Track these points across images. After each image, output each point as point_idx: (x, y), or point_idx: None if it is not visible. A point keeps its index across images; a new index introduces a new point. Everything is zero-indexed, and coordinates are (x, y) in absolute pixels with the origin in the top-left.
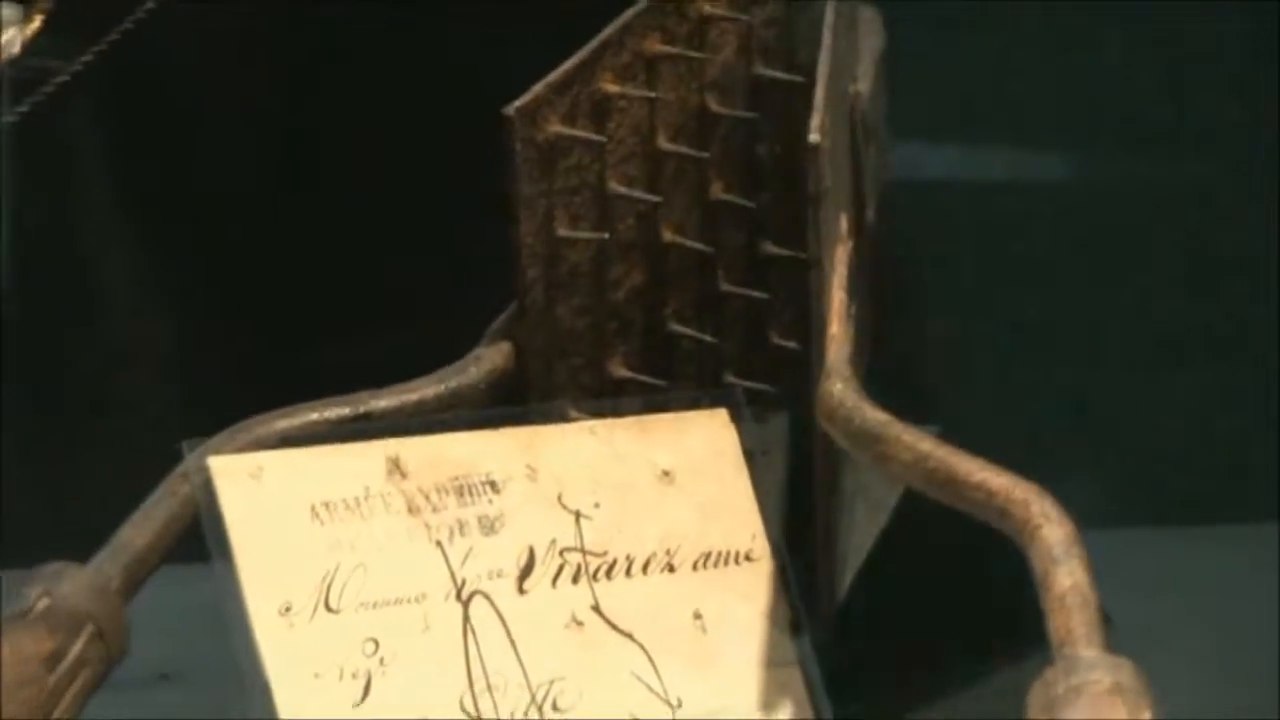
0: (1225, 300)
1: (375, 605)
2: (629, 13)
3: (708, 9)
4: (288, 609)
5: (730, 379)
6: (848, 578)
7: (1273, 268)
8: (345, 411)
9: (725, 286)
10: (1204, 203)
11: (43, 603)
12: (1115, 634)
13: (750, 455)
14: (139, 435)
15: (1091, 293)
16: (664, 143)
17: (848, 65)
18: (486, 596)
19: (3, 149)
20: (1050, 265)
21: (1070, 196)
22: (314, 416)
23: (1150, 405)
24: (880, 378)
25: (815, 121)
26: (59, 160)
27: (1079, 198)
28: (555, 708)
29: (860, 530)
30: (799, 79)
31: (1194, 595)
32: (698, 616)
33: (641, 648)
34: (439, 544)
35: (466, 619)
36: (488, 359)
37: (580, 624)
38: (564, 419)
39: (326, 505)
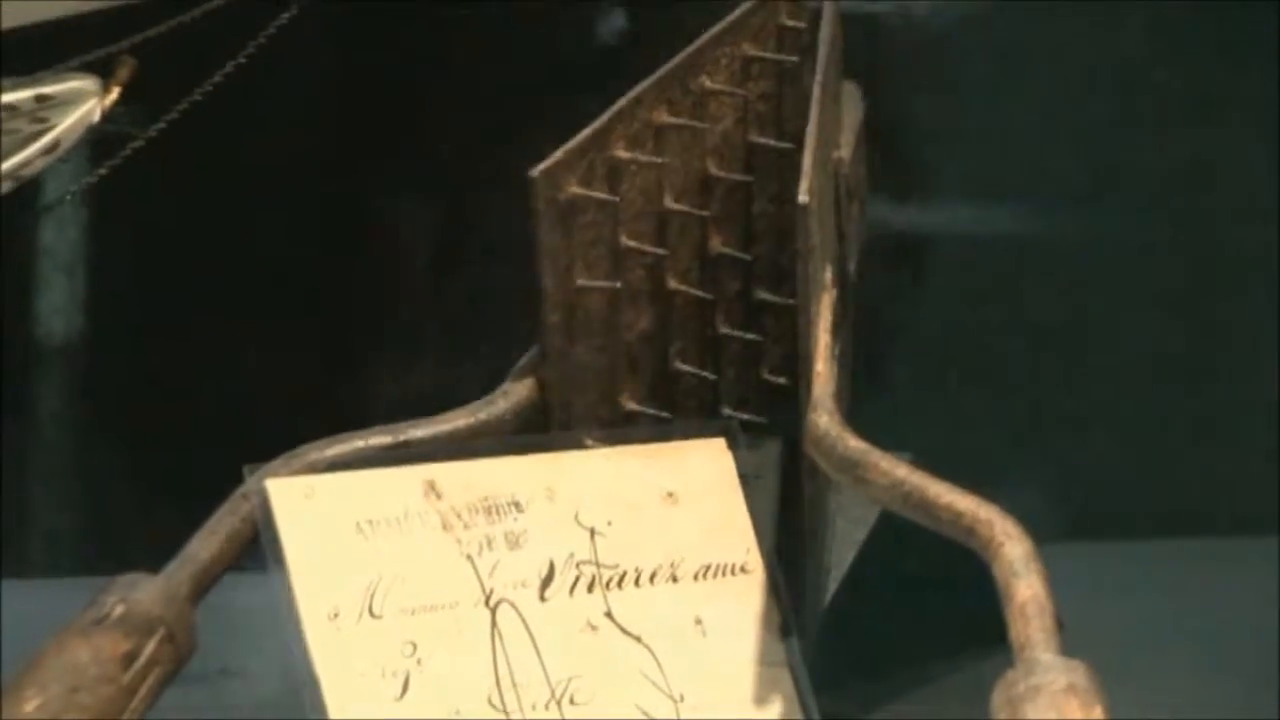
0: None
1: (413, 612)
2: (639, 86)
3: (709, 84)
4: (335, 614)
5: (727, 411)
6: (831, 587)
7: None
8: (387, 440)
9: (723, 329)
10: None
11: (119, 609)
12: (1068, 637)
13: (745, 479)
14: (206, 461)
15: (1060, 318)
16: (669, 202)
17: (832, 134)
18: (511, 604)
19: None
20: (1017, 310)
21: (1025, 246)
22: (359, 444)
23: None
24: (857, 410)
25: (804, 184)
26: (134, 212)
27: (1034, 248)
28: (572, 702)
29: (842, 545)
30: (789, 146)
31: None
32: (698, 622)
33: (649, 649)
34: (469, 557)
35: (494, 624)
36: (514, 393)
37: (595, 628)
38: (580, 446)
39: (370, 522)
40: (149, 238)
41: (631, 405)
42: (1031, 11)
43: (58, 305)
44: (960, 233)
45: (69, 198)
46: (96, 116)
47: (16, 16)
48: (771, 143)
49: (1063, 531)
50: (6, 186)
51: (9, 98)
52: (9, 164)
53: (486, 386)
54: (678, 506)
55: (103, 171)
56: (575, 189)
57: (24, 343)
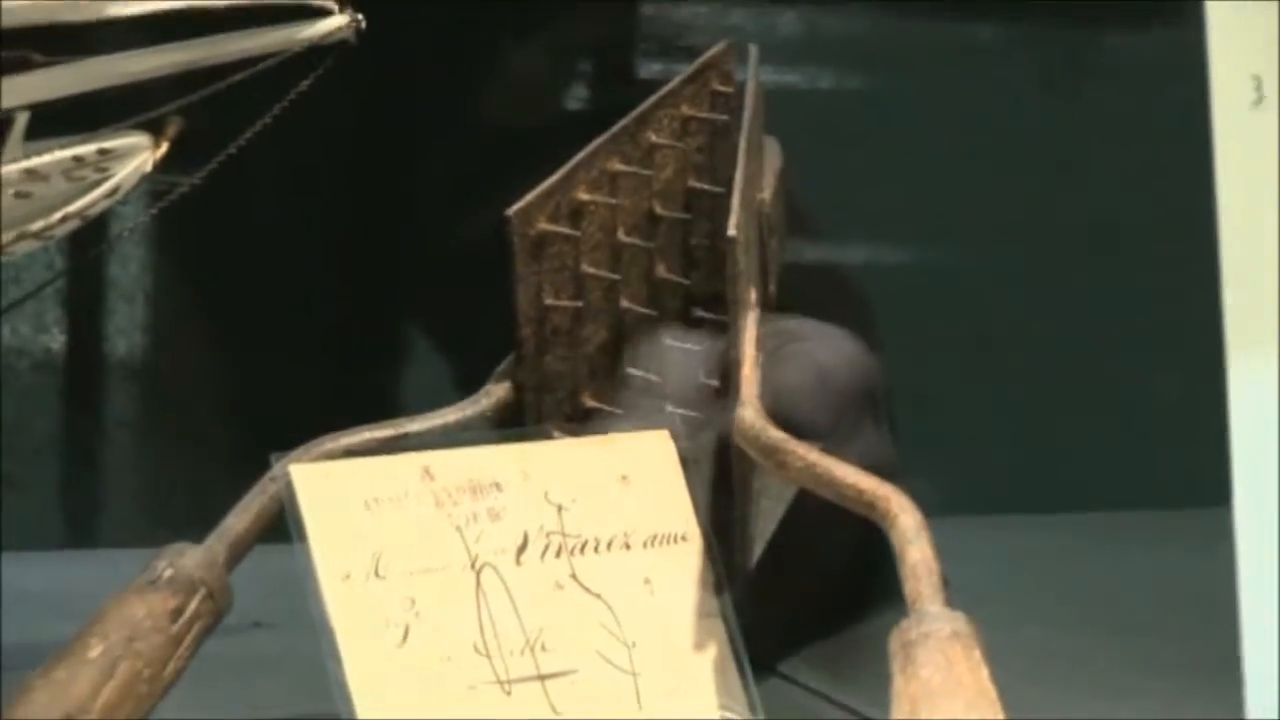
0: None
1: (411, 574)
2: (597, 140)
3: (654, 139)
4: (348, 576)
5: (670, 409)
6: (756, 553)
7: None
8: (389, 432)
9: (668, 342)
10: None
11: (168, 572)
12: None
13: (685, 463)
14: (238, 450)
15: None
16: (622, 236)
17: (756, 180)
18: (493, 567)
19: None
20: (913, 319)
21: (914, 269)
22: (367, 436)
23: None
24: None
25: (732, 220)
26: (182, 247)
27: (921, 270)
28: (544, 649)
29: (765, 518)
30: (720, 190)
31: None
32: (647, 581)
33: (606, 605)
34: (458, 529)
35: (478, 584)
36: (494, 393)
37: (561, 588)
38: (549, 437)
39: (376, 500)
40: (195, 268)
41: (591, 403)
42: (917, 81)
43: (121, 326)
44: (861, 259)
45: (127, 234)
46: (149, 166)
47: (83, 84)
48: (706, 187)
49: (946, 508)
50: (74, 224)
51: (77, 151)
52: (76, 205)
53: (471, 388)
54: (629, 487)
55: (154, 212)
56: (544, 225)
57: (94, 356)
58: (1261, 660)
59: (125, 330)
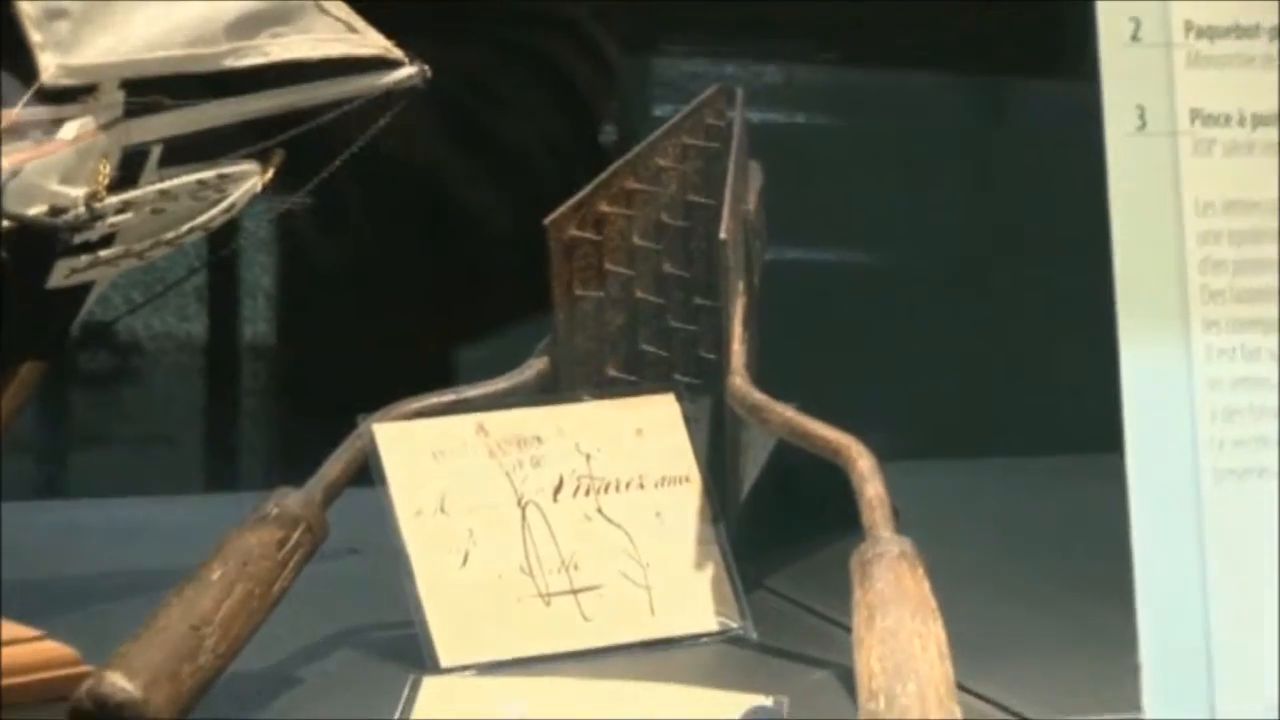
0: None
1: (470, 510)
2: (616, 164)
3: (661, 163)
4: (419, 513)
5: (677, 377)
6: (745, 492)
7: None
8: (452, 398)
9: (673, 324)
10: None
11: (274, 510)
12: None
13: (688, 421)
14: (335, 413)
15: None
16: (636, 240)
17: (743, 194)
18: (536, 504)
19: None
20: (865, 301)
21: (865, 266)
22: (434, 401)
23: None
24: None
25: (724, 226)
26: (290, 254)
27: (871, 266)
28: (576, 568)
29: (751, 464)
30: (714, 203)
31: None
32: (658, 514)
33: (626, 533)
34: (507, 474)
35: (524, 518)
36: (535, 366)
37: (589, 520)
38: (579, 400)
39: (441, 452)
40: (303, 269)
41: (613, 373)
42: (870, 118)
43: (247, 316)
44: (826, 260)
45: (254, 233)
46: (258, 188)
47: (204, 122)
48: (702, 200)
49: (900, 453)
50: (198, 235)
51: (201, 176)
52: (200, 220)
53: (516, 362)
54: (643, 439)
55: (267, 223)
56: (574, 231)
57: (224, 340)
58: (1150, 579)
59: (250, 319)
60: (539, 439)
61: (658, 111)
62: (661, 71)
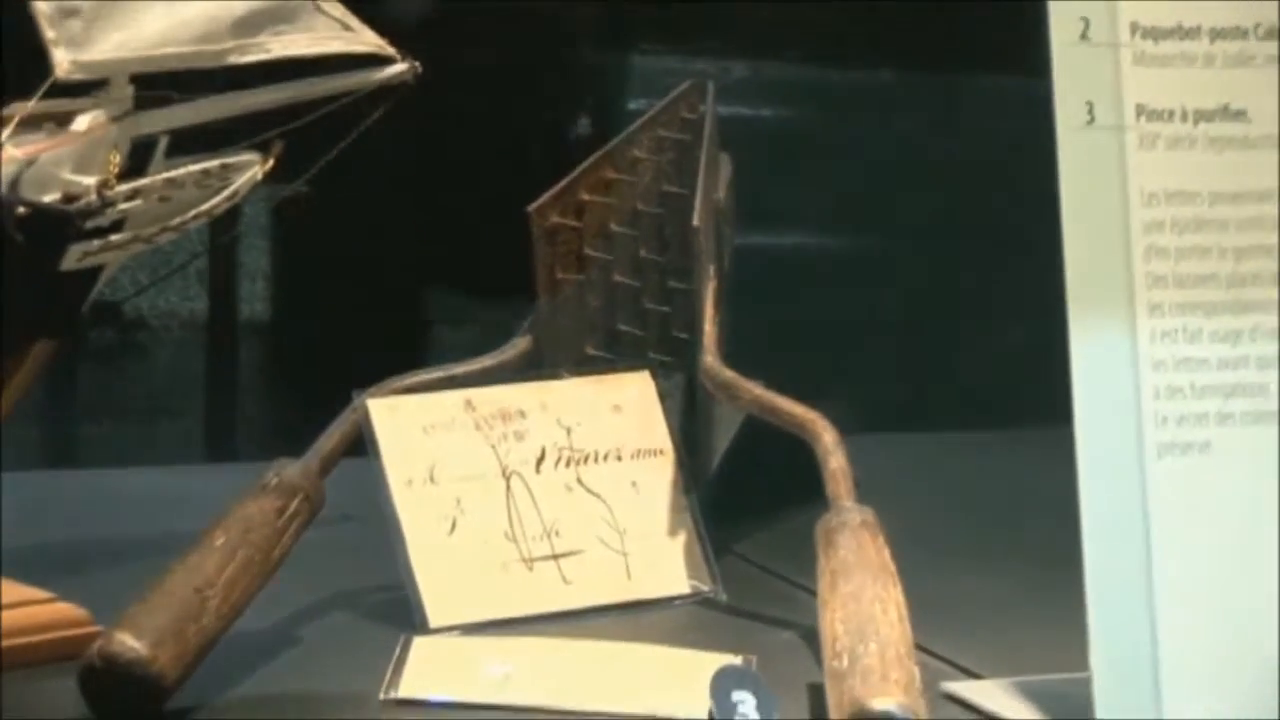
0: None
1: (457, 480)
2: (594, 155)
3: (637, 154)
4: (410, 482)
5: (651, 355)
6: (715, 464)
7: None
8: (440, 374)
9: (648, 305)
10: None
11: (274, 480)
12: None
13: (662, 397)
14: (331, 388)
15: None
16: (614, 227)
17: (713, 184)
18: (519, 475)
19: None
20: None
21: (825, 250)
22: (424, 376)
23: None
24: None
25: (696, 214)
26: (288, 237)
27: (831, 250)
28: (557, 535)
29: (720, 437)
30: (687, 192)
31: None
32: (634, 484)
33: (604, 502)
34: (493, 446)
35: (508, 488)
36: (519, 345)
37: (570, 489)
38: (561, 377)
39: (431, 426)
40: (299, 255)
41: (592, 352)
42: (833, 115)
43: (245, 296)
44: (788, 244)
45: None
46: (259, 177)
47: (209, 115)
48: (676, 189)
49: (862, 427)
50: (203, 221)
51: (205, 165)
52: (205, 206)
53: (502, 341)
54: (621, 414)
55: (271, 209)
56: (556, 218)
57: (225, 319)
58: (1097, 545)
59: (248, 299)
60: (523, 413)
61: (632, 105)
62: (635, 68)
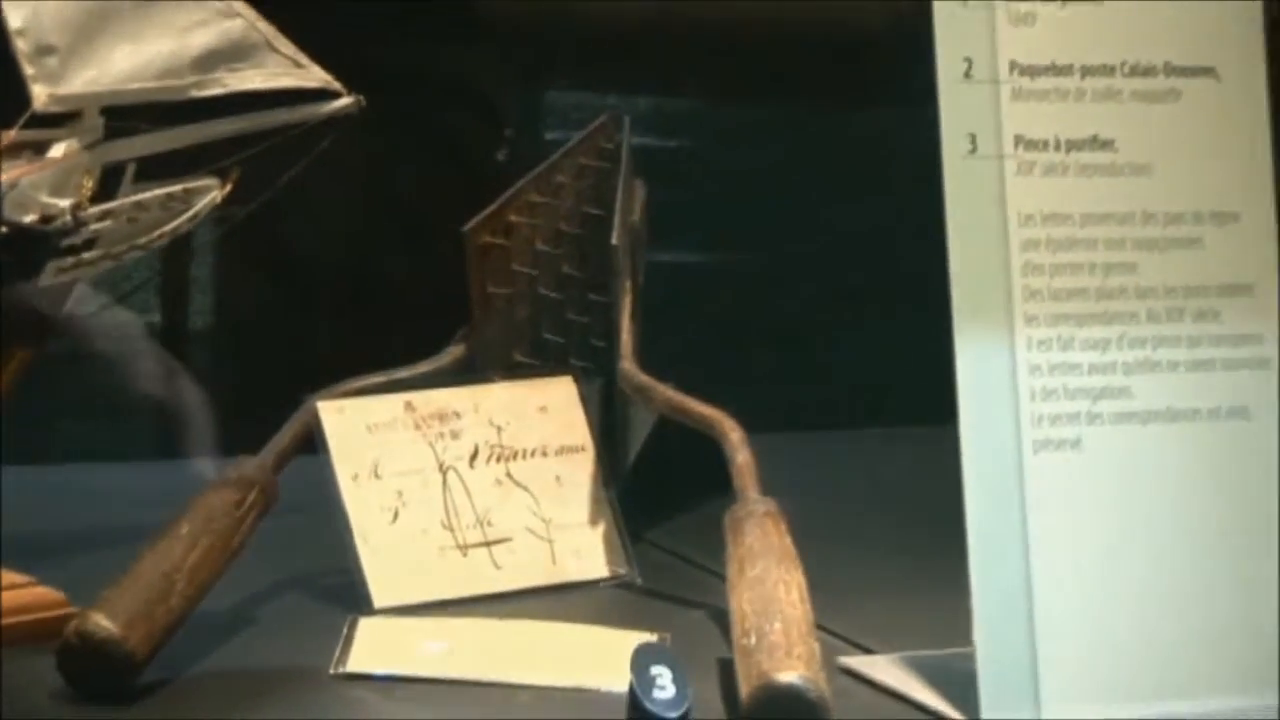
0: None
1: (399, 474)
2: (522, 180)
3: (560, 179)
4: (356, 476)
5: (574, 361)
6: (631, 459)
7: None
8: (384, 379)
9: (570, 316)
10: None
11: (234, 474)
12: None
13: (583, 399)
14: (282, 392)
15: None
16: (540, 245)
17: (630, 207)
18: (454, 470)
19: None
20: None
21: (733, 267)
22: (369, 381)
23: None
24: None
25: (615, 233)
26: (241, 256)
27: (739, 268)
28: (489, 524)
29: (636, 435)
30: (606, 214)
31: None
32: (558, 479)
33: (531, 494)
34: (431, 444)
35: (444, 482)
36: (454, 352)
37: (500, 483)
38: (492, 382)
39: (375, 425)
40: (250, 270)
41: (520, 358)
42: (731, 142)
43: (199, 309)
44: (694, 261)
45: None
46: (218, 200)
47: (173, 143)
48: (595, 212)
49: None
50: (166, 240)
51: (170, 190)
52: (169, 227)
53: (439, 349)
54: (546, 414)
55: (222, 231)
56: (487, 238)
57: (181, 331)
58: (980, 533)
59: (202, 312)
60: (458, 414)
61: (549, 136)
62: (550, 103)
